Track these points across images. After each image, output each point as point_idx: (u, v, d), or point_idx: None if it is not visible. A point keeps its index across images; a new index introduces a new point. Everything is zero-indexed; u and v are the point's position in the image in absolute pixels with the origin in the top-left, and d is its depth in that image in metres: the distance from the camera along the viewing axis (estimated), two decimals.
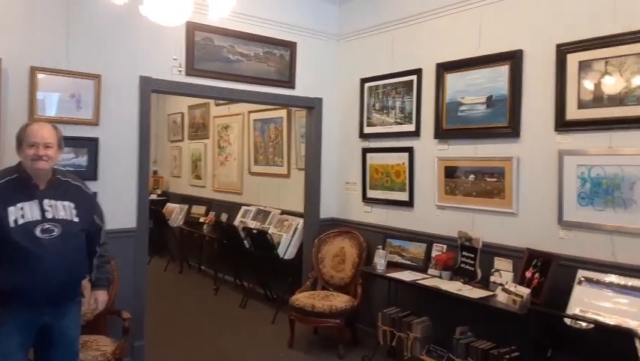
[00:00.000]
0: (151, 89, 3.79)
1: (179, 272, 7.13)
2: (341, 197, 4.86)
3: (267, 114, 5.93)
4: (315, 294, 4.30)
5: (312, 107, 4.76)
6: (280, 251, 5.01)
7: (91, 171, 3.56)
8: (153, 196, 8.16)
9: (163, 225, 7.41)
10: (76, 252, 2.49)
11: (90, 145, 3.56)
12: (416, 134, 4.10)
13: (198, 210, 7.15)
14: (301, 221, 5.04)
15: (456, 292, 3.27)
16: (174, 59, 3.09)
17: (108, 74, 3.62)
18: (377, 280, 4.14)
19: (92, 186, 3.52)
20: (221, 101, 6.80)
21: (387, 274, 3.77)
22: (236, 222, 5.99)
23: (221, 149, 6.93)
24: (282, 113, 5.65)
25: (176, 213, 7.44)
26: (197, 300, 5.75)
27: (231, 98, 4.36)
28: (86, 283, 2.70)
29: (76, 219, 2.47)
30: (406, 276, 3.69)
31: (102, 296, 2.68)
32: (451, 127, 3.84)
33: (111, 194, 3.63)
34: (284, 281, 5.00)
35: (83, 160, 3.54)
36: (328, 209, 4.88)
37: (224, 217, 6.58)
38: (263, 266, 5.42)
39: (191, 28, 3.89)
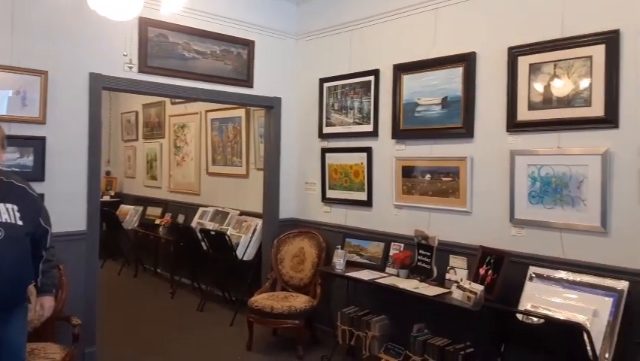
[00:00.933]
0: (102, 86, 3.65)
1: (134, 276, 6.92)
2: (300, 197, 4.84)
3: (225, 114, 5.84)
4: (275, 295, 4.27)
5: (271, 106, 4.72)
6: (239, 252, 4.94)
7: (37, 172, 3.40)
8: (106, 198, 7.91)
9: (116, 227, 7.17)
10: (20, 256, 2.37)
11: (36, 144, 3.40)
12: (374, 134, 4.14)
13: (154, 211, 6.97)
14: (260, 222, 4.99)
15: (413, 290, 3.31)
16: (124, 55, 2.98)
17: (55, 70, 3.47)
18: (336, 280, 4.15)
19: (38, 187, 3.38)
20: (177, 100, 6.65)
21: (346, 274, 3.78)
22: (193, 224, 5.87)
23: (178, 149, 6.78)
24: (241, 112, 5.58)
25: (130, 215, 7.22)
26: (153, 304, 5.60)
27: (187, 96, 4.26)
28: (32, 289, 2.57)
29: (20, 223, 2.35)
30: (365, 275, 3.71)
31: (49, 302, 2.56)
32: (408, 127, 3.89)
33: (59, 195, 3.49)
34: (243, 283, 4.93)
35: (28, 160, 3.37)
36: (288, 209, 4.85)
37: (181, 219, 6.43)
38: (221, 268, 5.34)
39: (144, 24, 3.78)
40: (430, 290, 3.28)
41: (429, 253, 3.53)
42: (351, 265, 3.96)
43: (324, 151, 4.58)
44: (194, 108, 6.37)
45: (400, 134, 3.94)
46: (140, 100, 7.44)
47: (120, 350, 4.13)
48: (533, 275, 2.99)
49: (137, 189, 7.76)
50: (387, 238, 3.95)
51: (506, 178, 3.28)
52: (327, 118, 4.56)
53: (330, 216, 4.54)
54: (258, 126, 5.38)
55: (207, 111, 6.12)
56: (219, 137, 5.98)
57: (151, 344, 4.31)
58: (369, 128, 4.18)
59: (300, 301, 4.09)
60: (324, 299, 4.25)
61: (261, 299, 4.15)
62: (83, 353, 3.59)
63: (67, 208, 3.53)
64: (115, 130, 8.29)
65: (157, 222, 6.68)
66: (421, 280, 3.48)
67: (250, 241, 5.01)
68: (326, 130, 4.57)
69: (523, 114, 3.23)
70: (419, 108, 3.82)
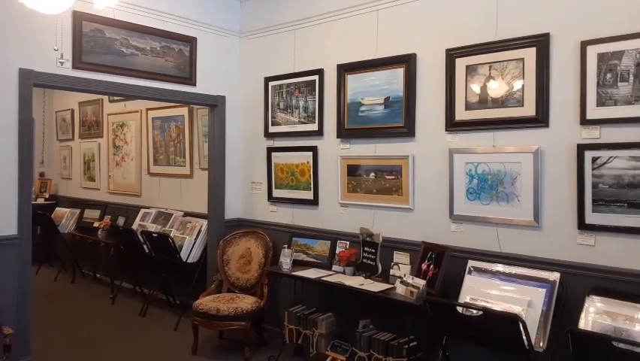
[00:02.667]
0: (33, 83, 3.46)
1: (72, 281, 6.60)
2: (246, 197, 4.79)
3: (167, 112, 5.68)
4: (220, 297, 4.20)
5: (215, 105, 4.64)
6: (183, 255, 4.83)
7: None
8: (40, 200, 7.53)
9: (52, 231, 6.82)
10: None
11: None
12: (319, 133, 4.16)
13: (92, 214, 6.68)
14: (205, 223, 4.90)
15: (358, 286, 3.35)
16: (55, 50, 2.84)
17: None
18: (283, 280, 4.14)
19: None
20: (115, 98, 6.41)
21: (293, 273, 3.78)
22: (134, 226, 5.67)
23: (117, 148, 6.53)
24: (184, 111, 5.45)
25: (66, 218, 6.88)
26: (92, 310, 5.36)
27: (125, 93, 4.11)
28: None
29: None
30: (311, 274, 3.72)
31: None
32: (353, 127, 3.94)
33: None
34: (187, 286, 4.82)
35: None
36: (233, 209, 4.79)
37: (121, 221, 6.20)
38: (164, 271, 5.19)
39: (79, 18, 3.61)
40: (374, 286, 3.34)
41: (373, 250, 3.59)
42: (298, 264, 3.96)
43: (270, 150, 4.55)
44: (134, 106, 6.16)
45: (344, 133, 3.99)
46: (76, 98, 7.11)
47: (57, 359, 3.93)
48: (472, 269, 3.11)
49: (74, 191, 7.41)
50: (333, 236, 3.99)
51: (446, 176, 3.39)
52: (273, 117, 4.54)
53: (276, 215, 4.52)
54: (202, 125, 5.28)
55: (148, 109, 5.94)
56: (161, 136, 5.82)
57: (91, 352, 4.13)
58: (314, 127, 4.20)
59: (246, 303, 4.05)
60: (272, 299, 4.24)
61: (207, 301, 4.07)
62: None
63: None
64: (49, 129, 7.87)
65: (95, 225, 6.40)
66: (366, 277, 3.53)
67: (195, 243, 4.91)
68: (272, 129, 4.55)
69: (461, 114, 3.35)
70: (363, 108, 3.88)
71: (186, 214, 5.36)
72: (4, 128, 3.38)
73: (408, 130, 3.58)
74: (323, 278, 3.58)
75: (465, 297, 3.01)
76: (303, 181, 4.30)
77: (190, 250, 4.88)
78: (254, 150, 4.71)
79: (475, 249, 3.23)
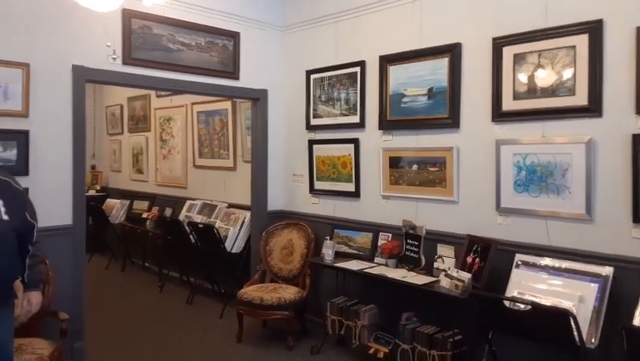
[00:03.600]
0: (85, 79, 3.60)
1: (122, 270, 6.87)
2: (288, 189, 4.84)
3: (211, 106, 5.80)
4: (264, 287, 4.27)
5: (257, 98, 4.70)
6: (227, 245, 4.94)
7: (21, 166, 3.35)
8: (92, 192, 7.84)
9: (103, 222, 7.11)
10: (6, 252, 2.34)
11: (19, 138, 3.34)
12: (361, 125, 4.14)
13: (141, 205, 6.91)
14: (248, 214, 4.98)
15: (401, 279, 3.34)
16: (108, 46, 2.95)
17: (38, 62, 3.41)
18: (325, 271, 4.17)
19: (22, 181, 3.33)
20: (162, 93, 6.59)
21: (335, 264, 3.80)
22: (181, 217, 5.84)
23: (164, 142, 6.72)
24: (227, 104, 5.55)
25: (117, 209, 7.16)
26: (142, 298, 5.57)
27: (172, 88, 4.22)
28: (18, 284, 2.54)
29: (5, 218, 2.33)
30: (353, 265, 3.73)
31: (36, 298, 2.54)
32: (395, 118, 3.91)
33: (44, 189, 3.45)
34: (232, 275, 4.93)
35: (11, 154, 3.32)
36: (275, 201, 4.85)
37: (168, 212, 6.39)
38: (210, 261, 5.33)
39: (128, 16, 3.73)
40: (418, 279, 3.31)
41: (417, 243, 3.56)
42: (339, 255, 3.98)
43: (311, 143, 4.57)
44: (179, 101, 6.31)
45: (386, 125, 3.96)
46: (125, 93, 7.35)
47: (109, 344, 4.12)
48: (519, 263, 3.04)
49: (124, 183, 7.69)
50: (375, 229, 3.98)
51: (492, 167, 3.31)
52: (314, 110, 4.56)
53: (318, 207, 4.55)
54: (244, 118, 5.36)
55: (193, 104, 6.07)
56: (206, 129, 5.94)
57: (140, 338, 4.30)
58: (356, 119, 4.19)
59: (289, 293, 4.10)
60: (314, 290, 4.28)
61: (251, 291, 4.15)
62: (71, 348, 3.57)
63: (52, 202, 3.49)
64: (100, 124, 8.18)
65: (144, 215, 6.62)
66: (409, 270, 3.51)
67: (239, 234, 5.00)
68: (313, 122, 4.57)
69: (508, 104, 3.26)
70: (405, 99, 3.83)
71: (230, 206, 5.47)
72: (59, 122, 3.54)
73: (452, 121, 3.52)
74: (365, 270, 3.58)
75: (512, 291, 2.94)
76: (344, 173, 4.30)
77: (234, 240, 4.98)
78: (295, 142, 4.75)
79: (522, 242, 3.14)
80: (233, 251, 4.96)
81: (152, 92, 6.81)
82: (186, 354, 3.95)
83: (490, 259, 3.09)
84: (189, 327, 4.58)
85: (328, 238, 4.03)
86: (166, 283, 5.93)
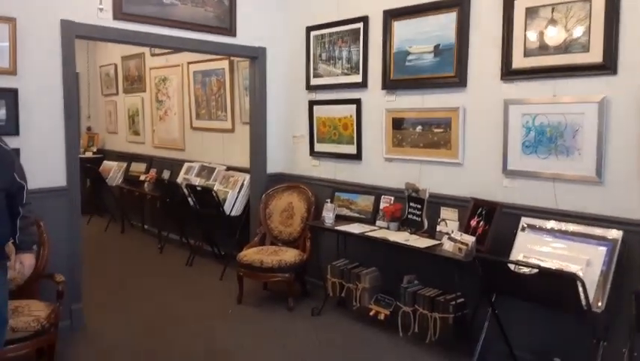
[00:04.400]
0: (75, 34, 3.43)
1: (121, 232, 6.84)
2: (288, 151, 4.73)
3: (207, 65, 5.62)
4: (264, 249, 4.23)
5: (256, 57, 4.53)
6: (226, 208, 4.87)
7: (11, 126, 3.23)
8: (88, 154, 7.75)
9: (101, 184, 7.04)
10: None
11: (8, 97, 3.21)
12: (363, 85, 4.00)
13: (138, 167, 6.81)
14: (247, 177, 4.89)
15: (403, 242, 3.28)
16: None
17: (24, 17, 3.25)
18: (326, 234, 4.11)
19: (13, 141, 3.25)
20: (157, 51, 6.39)
21: (336, 228, 3.74)
22: (179, 180, 5.75)
23: (160, 103, 6.56)
24: (224, 64, 5.37)
25: (114, 171, 7.07)
26: (141, 260, 5.55)
27: (165, 45, 4.06)
28: (10, 247, 2.47)
29: None
30: (355, 228, 3.67)
31: (28, 260, 2.47)
32: (399, 77, 3.76)
33: (36, 150, 3.36)
34: (231, 238, 4.89)
35: (0, 113, 3.19)
36: (275, 164, 4.75)
37: (166, 175, 6.30)
38: (209, 224, 5.28)
39: None
40: (420, 242, 3.26)
41: (419, 206, 3.49)
42: (340, 219, 3.91)
43: (311, 103, 4.44)
44: (175, 60, 6.12)
45: (390, 84, 3.81)
46: (119, 52, 7.15)
47: (108, 305, 4.10)
48: (525, 226, 2.97)
49: (120, 145, 7.56)
50: (377, 192, 3.90)
51: (499, 128, 3.20)
52: (315, 69, 4.39)
53: (318, 170, 4.46)
54: (242, 78, 5.19)
55: (189, 63, 5.88)
56: (203, 90, 5.78)
57: (139, 299, 4.28)
58: (358, 78, 4.04)
59: (289, 255, 4.06)
60: (314, 253, 4.24)
61: (251, 253, 4.11)
62: (69, 310, 3.55)
63: (45, 163, 3.40)
64: (94, 84, 7.99)
65: (142, 178, 6.53)
66: (411, 233, 3.45)
67: (238, 197, 4.93)
68: (313, 82, 4.42)
69: (519, 61, 3.11)
70: (410, 57, 3.68)
71: (229, 168, 5.37)
72: (49, 80, 3.39)
73: (459, 80, 3.38)
74: (367, 233, 3.52)
75: (517, 255, 2.88)
76: (346, 135, 4.19)
77: (233, 203, 4.91)
78: (295, 103, 4.61)
79: (529, 205, 3.07)
80: (233, 214, 4.90)
81: (147, 51, 6.60)
82: (186, 315, 3.94)
83: (495, 223, 3.03)
84: (189, 289, 4.57)
85: (329, 200, 3.96)
86: (166, 245, 5.91)
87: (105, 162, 7.43)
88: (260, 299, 4.31)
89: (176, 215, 5.81)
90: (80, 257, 3.64)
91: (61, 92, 3.45)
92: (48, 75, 3.38)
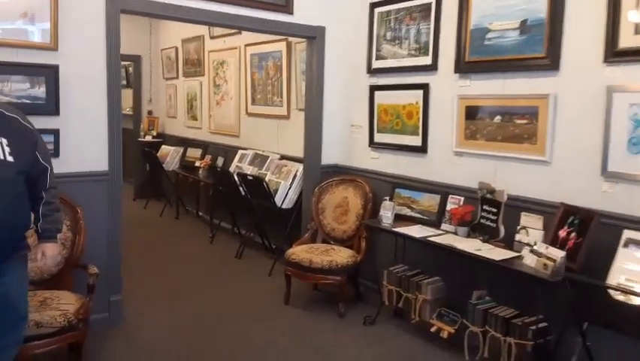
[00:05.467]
0: (120, 8, 3.20)
1: (175, 218, 6.77)
2: (345, 141, 4.33)
3: (264, 48, 5.31)
4: (314, 248, 3.87)
5: (314, 37, 4.14)
6: (277, 200, 4.55)
7: (50, 105, 3.05)
8: (148, 138, 7.74)
9: (158, 168, 6.99)
10: (13, 199, 2.04)
11: (48, 74, 3.02)
12: (433, 68, 3.52)
13: (194, 153, 6.67)
14: (301, 167, 4.55)
15: (474, 252, 2.80)
16: None
17: None
18: (383, 235, 3.69)
19: (53, 122, 3.09)
20: (215, 34, 6.18)
21: (394, 229, 3.30)
22: (232, 167, 5.52)
23: (217, 87, 6.35)
24: (281, 45, 5.03)
25: (171, 156, 6.98)
26: (191, 249, 5.37)
27: (217, 22, 3.75)
28: (32, 235, 2.27)
29: (10, 159, 2.01)
30: (416, 231, 3.22)
31: (51, 250, 2.24)
32: (475, 59, 3.25)
33: (77, 132, 3.18)
34: (282, 230, 4.59)
35: (39, 91, 3.01)
36: (331, 154, 4.36)
37: (220, 162, 6.10)
38: (260, 214, 5.01)
39: None
40: (495, 253, 2.76)
41: (495, 210, 2.98)
42: (400, 219, 3.47)
43: (372, 89, 4.00)
44: (233, 42, 5.87)
45: (464, 67, 3.31)
46: (179, 34, 7.03)
47: (151, 297, 3.92)
48: (629, 241, 2.40)
49: (179, 130, 7.48)
50: (444, 190, 3.41)
51: (599, 121, 2.63)
52: (378, 50, 3.95)
53: (377, 163, 4.03)
54: (299, 62, 4.83)
55: (247, 46, 5.60)
56: (259, 74, 5.48)
57: (184, 292, 4.07)
58: (427, 60, 3.56)
59: (342, 256, 3.68)
60: (370, 254, 3.83)
61: (300, 252, 3.77)
62: (108, 302, 3.38)
63: (85, 146, 3.21)
64: (156, 67, 7.94)
65: (197, 164, 6.39)
66: (483, 241, 2.96)
67: (290, 188, 4.60)
68: (376, 64, 3.97)
69: (627, 40, 2.53)
70: (490, 35, 3.16)
71: (282, 157, 5.06)
72: (93, 58, 3.19)
73: (550, 62, 2.83)
74: (430, 238, 3.06)
75: (617, 277, 2.33)
76: (410, 125, 3.72)
77: (285, 195, 4.59)
78: (354, 88, 4.19)
79: (634, 216, 2.49)
80: (284, 207, 4.58)
81: (206, 34, 6.41)
82: (230, 314, 3.67)
83: (590, 235, 2.48)
84: (236, 283, 4.31)
85: (388, 198, 3.51)
86: (217, 233, 5.72)
87: (163, 146, 7.37)
88: (308, 301, 3.97)
89: (227, 204, 5.60)
90: (120, 246, 3.44)
91: (104, 70, 3.23)
92: (91, 52, 3.18)
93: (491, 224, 2.99)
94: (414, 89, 3.65)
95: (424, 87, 3.57)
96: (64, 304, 2.68)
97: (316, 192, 4.17)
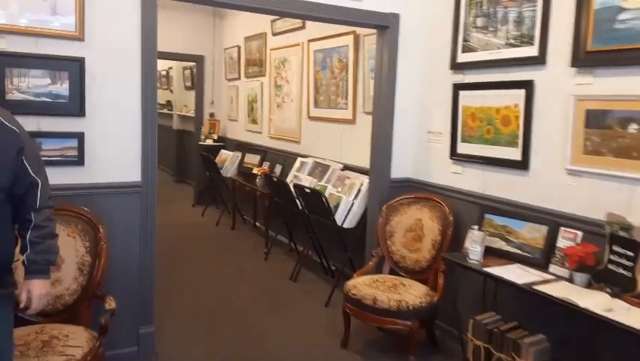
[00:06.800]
0: None
1: (232, 228, 6.32)
2: (420, 151, 3.63)
3: (329, 43, 4.71)
4: (380, 281, 3.19)
5: (386, 26, 3.48)
6: (338, 217, 3.92)
7: (74, 104, 2.61)
8: (209, 142, 7.41)
9: (216, 174, 6.60)
10: None
11: (72, 68, 2.58)
12: (539, 60, 2.74)
13: (252, 159, 6.20)
14: (366, 180, 3.89)
15: (603, 313, 2.01)
16: None
17: None
18: (469, 272, 2.94)
19: (77, 124, 2.64)
20: (278, 30, 5.68)
21: (487, 270, 2.55)
22: (290, 177, 4.97)
23: (279, 88, 5.83)
24: (348, 40, 4.40)
25: (230, 161, 6.56)
26: (243, 266, 4.86)
27: (277, 9, 3.17)
28: (18, 269, 1.79)
29: None
30: (515, 274, 2.45)
31: (39, 288, 1.76)
32: (601, 48, 2.45)
33: (105, 136, 2.74)
34: (343, 251, 3.97)
35: (62, 88, 2.58)
36: (402, 166, 3.68)
37: (278, 169, 5.58)
38: (318, 232, 4.41)
39: None
40: (633, 317, 1.96)
41: (631, 253, 2.16)
42: (492, 253, 2.72)
43: (457, 88, 3.28)
44: (295, 38, 5.33)
45: (584, 59, 2.52)
46: (242, 32, 6.62)
47: (189, 325, 3.42)
48: None
49: (239, 134, 7.08)
50: (553, 220, 2.62)
51: None
52: (465, 40, 3.22)
53: (461, 179, 3.29)
54: (368, 57, 4.18)
55: (310, 41, 5.04)
56: (323, 73, 4.89)
57: (227, 320, 3.54)
58: (531, 51, 2.79)
59: (414, 295, 2.98)
60: (450, 292, 3.09)
61: (362, 285, 3.10)
62: (137, 335, 2.90)
63: (115, 153, 2.76)
64: (218, 68, 7.59)
65: (254, 171, 5.91)
66: (613, 295, 2.15)
67: (353, 204, 3.95)
68: (462, 58, 3.25)
69: None
70: (624, 16, 2.35)
71: (345, 168, 4.43)
72: (127, 48, 2.72)
73: None
74: (537, 287, 2.29)
75: None
76: (505, 133, 2.96)
77: (347, 212, 3.95)
78: (433, 87, 3.48)
79: None
80: (345, 226, 3.94)
81: (269, 30, 5.93)
82: (278, 352, 3.10)
83: None
84: (288, 314, 3.73)
85: (476, 227, 2.76)
86: (273, 248, 5.20)
87: (222, 150, 7.00)
88: (372, 346, 3.29)
89: (284, 217, 5.06)
90: (153, 270, 2.95)
91: (138, 65, 2.76)
92: (123, 41, 2.71)
93: (625, 272, 2.18)
94: (513, 87, 2.89)
95: (527, 85, 2.80)
96: (72, 346, 2.20)
97: (384, 211, 3.49)
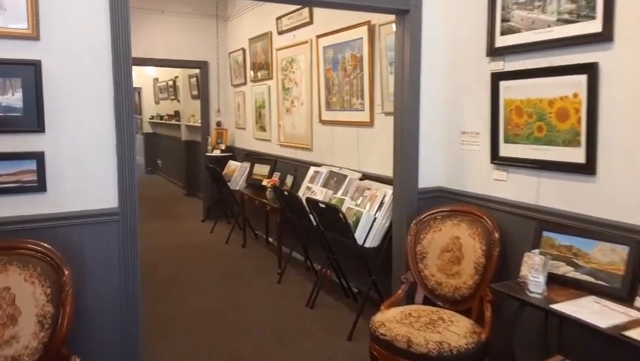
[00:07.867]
0: None
1: (242, 246, 5.83)
2: (453, 155, 3.09)
3: (340, 37, 4.19)
4: (413, 314, 2.63)
5: (406, 10, 2.96)
6: (358, 236, 3.39)
7: (31, 118, 2.13)
8: (216, 152, 6.95)
9: (224, 187, 6.12)
10: None
11: (26, 73, 2.11)
12: (605, 37, 2.19)
13: (261, 170, 5.72)
14: (390, 191, 3.36)
15: None
16: None
17: None
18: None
19: (35, 142, 2.16)
20: (284, 28, 5.19)
21: (554, 307, 1.98)
22: (302, 189, 4.46)
23: (287, 92, 5.34)
24: (362, 31, 3.88)
25: (238, 173, 6.09)
26: (253, 292, 4.34)
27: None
28: None
29: None
30: (594, 312, 1.89)
31: None
32: None
33: (71, 156, 2.26)
34: (365, 273, 3.44)
35: (14, 99, 2.10)
36: (432, 174, 3.14)
37: (289, 180, 5.08)
38: (336, 251, 3.88)
39: None
40: None
41: None
42: (555, 281, 2.16)
43: (496, 78, 2.73)
44: (303, 35, 4.84)
45: None
46: (246, 33, 6.16)
47: None
48: None
49: (248, 143, 6.62)
50: (634, 239, 2.05)
51: None
52: (505, 20, 2.67)
53: (506, 187, 2.73)
54: (385, 50, 3.65)
55: (318, 37, 4.53)
56: (334, 71, 4.37)
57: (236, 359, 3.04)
58: (593, 27, 2.24)
59: (457, 332, 2.41)
60: (499, 324, 2.52)
61: (392, 322, 2.55)
62: None
63: (84, 176, 2.27)
64: (223, 74, 7.14)
65: (264, 183, 5.42)
66: None
67: (375, 220, 3.42)
68: (501, 41, 2.70)
69: None
70: None
71: (364, 177, 3.90)
72: (90, 51, 2.24)
73: None
74: (629, 333, 1.72)
75: None
76: (563, 130, 2.41)
77: (369, 229, 3.42)
78: (466, 79, 2.94)
79: None
80: (367, 245, 3.41)
81: (274, 29, 5.45)
82: None
83: None
84: (304, 350, 3.21)
85: (537, 251, 2.19)
86: (287, 266, 4.70)
87: (230, 161, 6.55)
88: None
89: (297, 235, 4.55)
90: (137, 308, 2.45)
91: (109, 67, 2.27)
92: (89, 39, 2.23)
93: None
94: (570, 73, 2.33)
95: (590, 69, 2.24)
96: None
97: (413, 228, 2.95)
